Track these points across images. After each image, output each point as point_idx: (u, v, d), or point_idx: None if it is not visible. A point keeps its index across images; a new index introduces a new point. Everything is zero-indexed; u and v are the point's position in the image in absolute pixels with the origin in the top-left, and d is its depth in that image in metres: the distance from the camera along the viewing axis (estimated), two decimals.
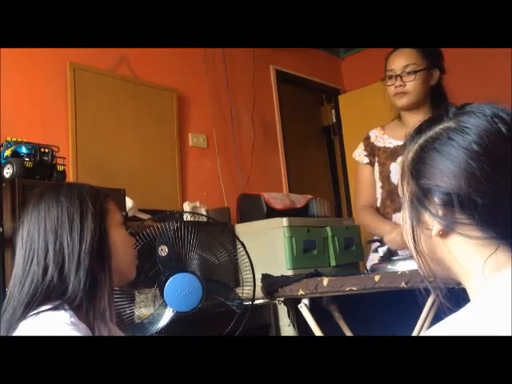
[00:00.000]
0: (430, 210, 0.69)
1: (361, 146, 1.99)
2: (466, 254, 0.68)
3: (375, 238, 1.85)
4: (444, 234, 0.69)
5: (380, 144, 1.90)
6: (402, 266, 1.54)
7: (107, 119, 2.80)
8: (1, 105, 2.22)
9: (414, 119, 1.79)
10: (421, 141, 0.72)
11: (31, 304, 0.99)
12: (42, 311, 0.97)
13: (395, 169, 1.82)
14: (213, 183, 3.29)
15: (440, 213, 0.68)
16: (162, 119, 3.07)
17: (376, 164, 1.90)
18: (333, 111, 4.44)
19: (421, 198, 0.71)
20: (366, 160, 1.95)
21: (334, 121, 4.42)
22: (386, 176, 1.85)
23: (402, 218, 0.76)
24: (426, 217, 0.71)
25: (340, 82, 4.55)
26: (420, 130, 0.74)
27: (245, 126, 3.60)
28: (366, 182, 1.96)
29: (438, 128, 0.71)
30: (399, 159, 1.81)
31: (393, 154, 1.85)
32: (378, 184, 1.90)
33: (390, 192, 1.83)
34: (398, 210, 1.78)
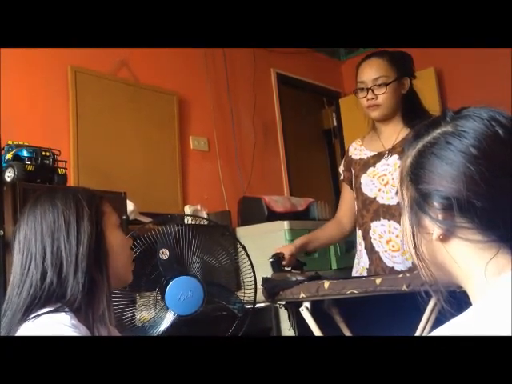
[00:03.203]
0: (430, 214, 0.69)
1: (342, 161, 2.02)
2: (466, 257, 0.68)
3: None
4: (444, 238, 0.69)
5: (357, 157, 1.91)
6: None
7: (108, 122, 2.80)
8: (2, 108, 2.22)
9: (388, 128, 1.83)
10: (419, 146, 0.72)
11: (30, 308, 0.99)
12: (43, 313, 0.97)
13: (365, 180, 1.83)
14: (214, 186, 3.29)
15: (440, 217, 0.68)
16: (162, 122, 3.07)
17: (352, 177, 1.91)
18: (333, 114, 4.44)
19: (420, 202, 0.71)
20: (342, 176, 1.98)
21: (335, 124, 4.42)
22: (358, 188, 1.86)
23: (402, 223, 0.76)
24: (426, 221, 0.70)
25: (340, 85, 4.56)
26: (418, 135, 0.74)
27: (246, 129, 3.60)
28: (342, 197, 2.00)
29: (435, 133, 0.71)
30: (369, 170, 1.83)
31: (365, 165, 1.86)
32: (355, 196, 1.91)
33: (364, 202, 1.83)
34: (374, 218, 1.79)
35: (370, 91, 1.78)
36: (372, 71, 1.78)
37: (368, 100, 1.79)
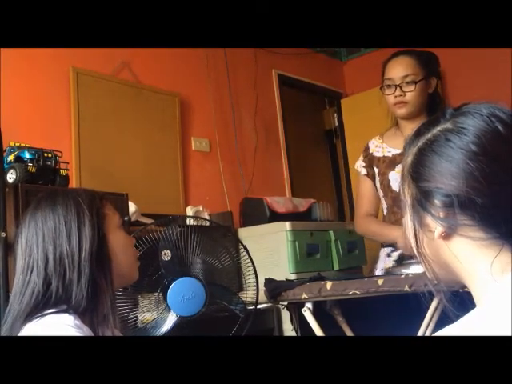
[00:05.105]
0: (432, 212, 0.69)
1: (360, 157, 2.00)
2: (468, 255, 0.68)
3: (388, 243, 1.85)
4: (446, 236, 0.69)
5: (379, 154, 1.91)
6: (416, 270, 1.53)
7: (110, 124, 2.80)
8: (4, 110, 2.23)
9: (413, 127, 1.81)
10: (419, 144, 0.72)
11: (31, 314, 0.99)
12: (47, 314, 0.97)
13: (394, 177, 1.83)
14: (215, 187, 3.29)
15: (441, 215, 0.68)
16: (164, 123, 3.07)
17: (376, 174, 1.91)
18: (335, 115, 4.44)
19: (422, 200, 0.70)
20: (364, 172, 1.96)
21: (337, 124, 4.42)
22: (386, 185, 1.86)
23: (404, 221, 0.76)
24: (428, 219, 0.70)
25: (342, 86, 4.56)
26: (418, 133, 0.74)
27: (247, 130, 3.60)
28: (364, 193, 1.97)
29: (435, 130, 0.71)
30: (398, 167, 1.82)
31: (391, 162, 1.85)
32: (381, 194, 1.90)
33: (395, 199, 1.83)
34: None
35: (398, 88, 1.78)
36: (401, 69, 1.79)
37: (396, 97, 1.79)
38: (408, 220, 0.74)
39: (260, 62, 3.72)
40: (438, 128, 0.71)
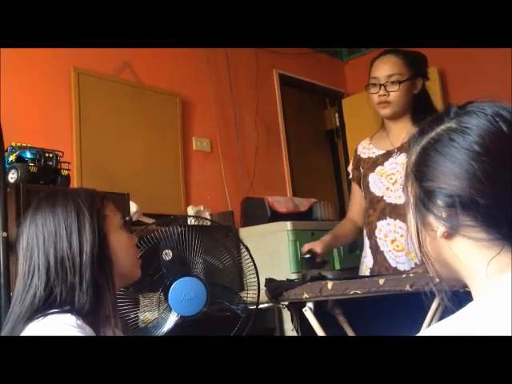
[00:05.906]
0: (434, 212, 0.69)
1: (351, 160, 2.02)
2: (470, 255, 0.68)
3: None
4: (449, 235, 0.69)
5: (365, 155, 1.91)
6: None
7: (111, 124, 2.81)
8: (5, 110, 2.23)
9: (397, 127, 1.83)
10: (423, 142, 0.72)
11: (32, 317, 0.98)
12: (50, 313, 0.97)
13: (373, 178, 1.83)
14: (216, 187, 3.29)
15: (444, 215, 0.68)
16: (165, 123, 3.07)
17: (361, 176, 1.91)
18: (336, 115, 4.44)
19: (424, 200, 0.70)
20: (351, 175, 1.98)
21: (338, 124, 4.42)
22: (366, 186, 1.86)
23: (407, 220, 0.76)
24: (431, 219, 0.70)
25: (343, 86, 4.56)
26: (422, 132, 0.74)
27: (248, 130, 3.60)
28: (352, 196, 2.00)
29: (439, 129, 0.71)
30: (378, 169, 1.83)
31: (373, 164, 1.86)
32: (363, 195, 1.91)
33: (371, 201, 1.84)
34: (381, 217, 1.79)
35: (383, 87, 1.78)
36: (387, 68, 1.78)
37: (379, 96, 1.79)
38: (411, 218, 0.74)
39: (261, 62, 3.73)
40: (442, 127, 0.70)
